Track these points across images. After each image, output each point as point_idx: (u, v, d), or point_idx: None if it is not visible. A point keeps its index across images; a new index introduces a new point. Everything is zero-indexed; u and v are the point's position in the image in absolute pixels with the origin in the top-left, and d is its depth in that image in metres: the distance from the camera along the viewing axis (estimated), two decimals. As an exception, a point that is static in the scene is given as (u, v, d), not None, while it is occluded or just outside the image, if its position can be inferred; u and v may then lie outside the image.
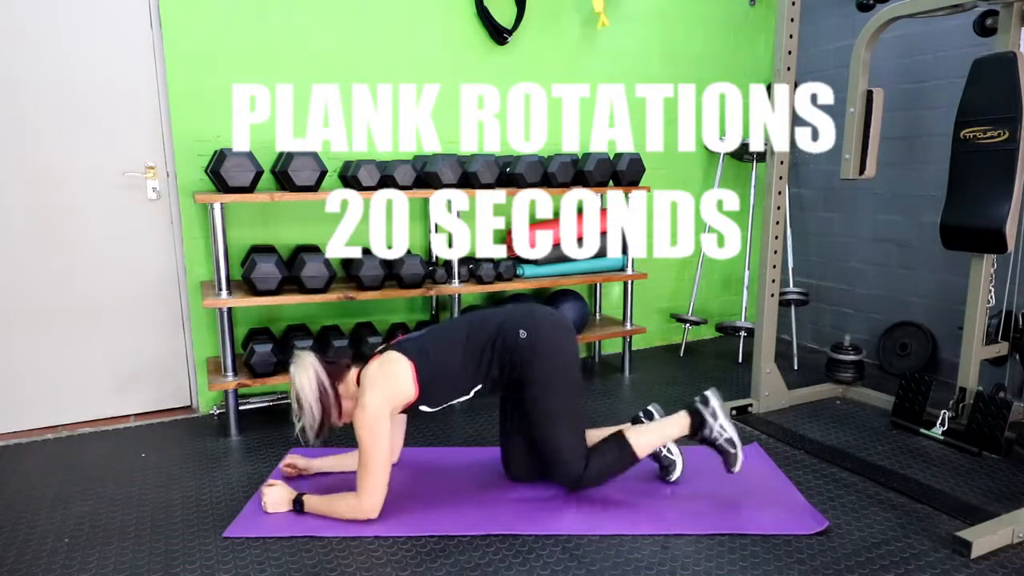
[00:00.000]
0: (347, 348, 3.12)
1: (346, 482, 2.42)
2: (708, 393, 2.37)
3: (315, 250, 3.18)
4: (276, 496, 2.31)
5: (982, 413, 2.76)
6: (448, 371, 2.25)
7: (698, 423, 2.33)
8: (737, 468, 2.31)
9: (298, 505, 2.30)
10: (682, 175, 4.30)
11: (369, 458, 2.16)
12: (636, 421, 2.56)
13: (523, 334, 2.25)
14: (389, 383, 2.20)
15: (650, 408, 2.59)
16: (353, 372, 2.33)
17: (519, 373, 2.26)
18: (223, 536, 2.19)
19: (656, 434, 2.37)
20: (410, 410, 2.29)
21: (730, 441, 2.31)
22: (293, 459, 2.56)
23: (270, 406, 3.32)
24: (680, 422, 2.36)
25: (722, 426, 2.31)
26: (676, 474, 2.49)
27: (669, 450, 2.49)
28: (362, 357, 2.93)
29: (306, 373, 2.21)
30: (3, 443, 2.96)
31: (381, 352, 2.31)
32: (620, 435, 2.34)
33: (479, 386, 2.30)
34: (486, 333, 2.28)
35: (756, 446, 2.81)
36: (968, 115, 2.63)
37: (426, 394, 2.24)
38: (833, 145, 3.01)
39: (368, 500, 2.19)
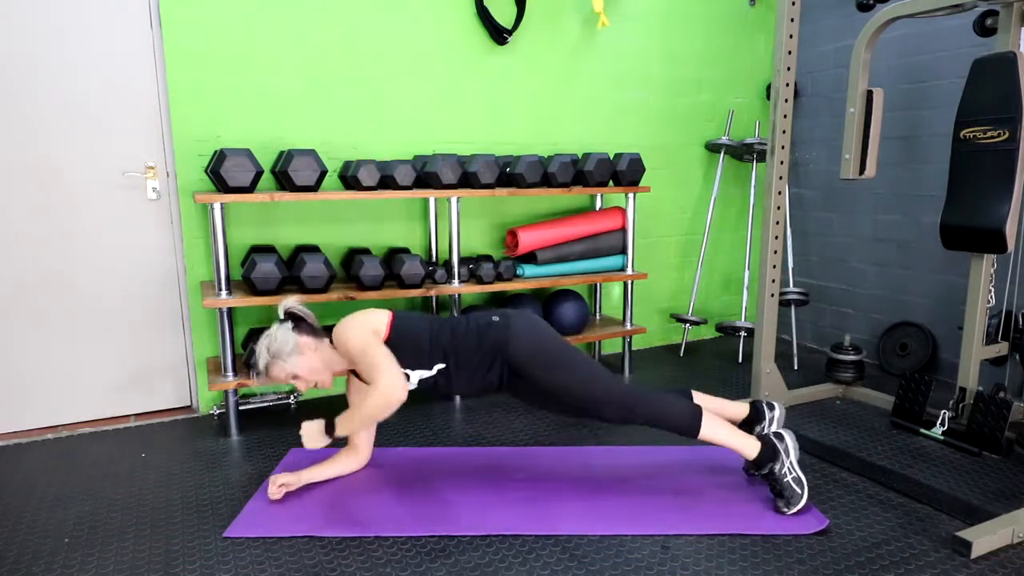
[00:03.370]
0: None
1: (332, 488, 2.48)
2: (785, 433, 2.33)
3: (315, 250, 3.18)
4: (309, 430, 2.32)
5: (982, 413, 2.75)
6: (419, 337, 2.36)
7: (769, 455, 2.29)
8: (792, 510, 2.25)
9: (330, 429, 2.31)
10: (682, 175, 4.30)
11: (370, 359, 2.24)
12: (755, 406, 2.53)
13: (496, 318, 2.39)
14: (364, 316, 2.34)
15: (775, 403, 2.54)
16: (327, 340, 2.41)
17: (505, 354, 2.33)
18: (223, 536, 2.19)
19: (727, 437, 2.32)
20: None
21: (798, 481, 2.27)
22: (282, 480, 2.42)
23: (270, 406, 3.32)
24: (751, 445, 2.31)
25: (792, 465, 2.29)
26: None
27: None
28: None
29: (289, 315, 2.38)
30: (3, 443, 2.96)
31: None
32: (700, 408, 2.33)
33: (443, 365, 2.36)
34: (454, 322, 2.43)
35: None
36: (968, 115, 2.63)
37: (393, 344, 2.32)
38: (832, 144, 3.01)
39: (387, 384, 2.19)
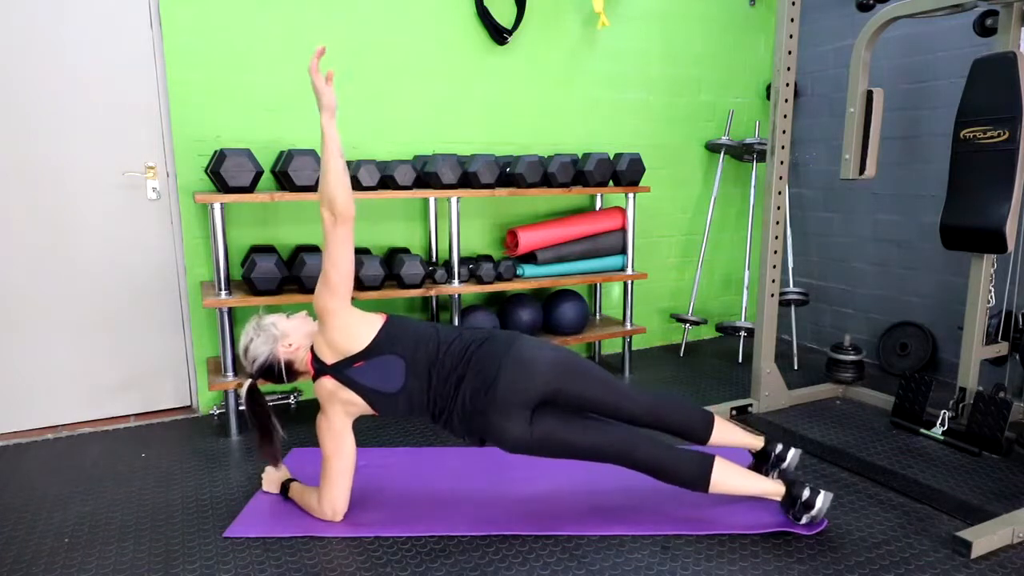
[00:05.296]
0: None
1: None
2: (820, 500, 2.14)
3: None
4: (270, 476, 2.44)
5: (982, 413, 2.75)
6: (402, 413, 2.24)
7: (788, 504, 2.19)
8: (788, 514, 2.21)
9: (284, 490, 2.39)
10: (682, 175, 4.30)
11: (330, 467, 2.20)
12: (767, 448, 2.42)
13: (466, 438, 2.23)
14: (350, 407, 2.19)
15: (789, 452, 2.39)
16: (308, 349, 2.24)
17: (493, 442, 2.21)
18: (223, 536, 2.19)
19: (742, 485, 2.20)
20: None
21: (796, 521, 2.19)
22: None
23: (270, 406, 3.31)
24: (775, 491, 2.21)
25: (803, 516, 2.17)
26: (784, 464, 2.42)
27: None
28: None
29: (265, 341, 2.22)
30: (3, 443, 2.96)
31: (335, 374, 2.17)
32: (710, 461, 2.16)
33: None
34: (436, 409, 2.20)
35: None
36: (968, 115, 2.63)
37: (386, 415, 2.24)
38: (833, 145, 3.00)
39: (328, 506, 2.22)
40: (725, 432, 2.39)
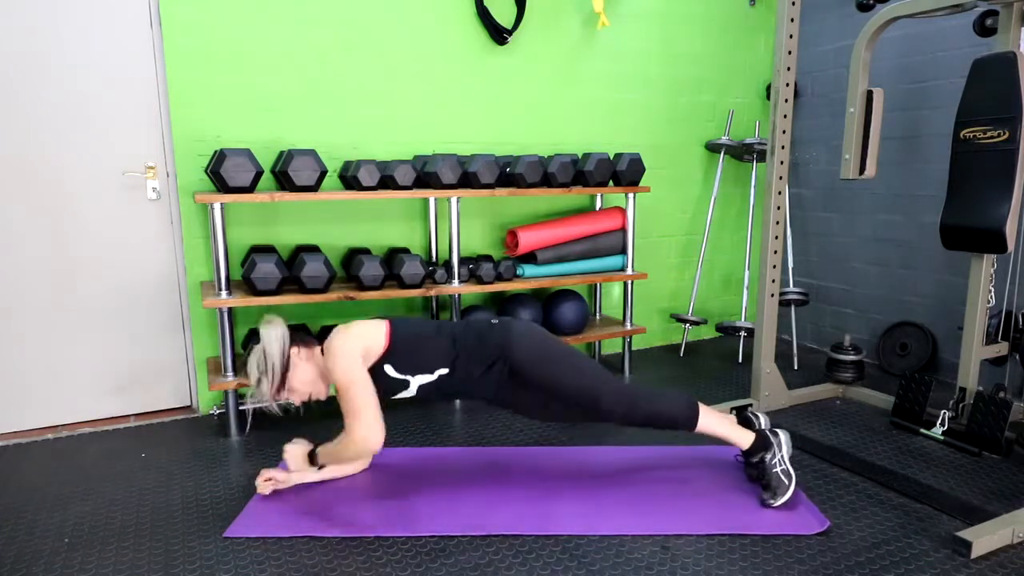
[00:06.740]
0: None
1: (332, 488, 2.47)
2: (780, 431, 2.38)
3: (315, 250, 3.18)
4: (294, 453, 2.44)
5: (982, 413, 2.75)
6: (420, 341, 2.30)
7: (762, 445, 2.35)
8: (777, 502, 2.28)
9: (313, 457, 2.41)
10: (682, 175, 4.30)
11: (350, 398, 2.15)
12: (743, 415, 2.60)
13: (495, 321, 2.38)
14: (358, 328, 2.24)
15: (780, 432, 2.50)
16: (319, 348, 2.34)
17: (506, 353, 2.29)
18: (223, 536, 2.19)
19: (722, 426, 2.40)
20: (376, 369, 2.25)
21: (787, 473, 2.30)
22: (271, 474, 2.45)
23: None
24: (747, 437, 2.39)
25: (783, 458, 2.33)
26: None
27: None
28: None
29: (276, 331, 2.25)
30: (3, 443, 2.96)
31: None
32: (696, 401, 2.39)
33: (445, 370, 2.29)
34: (454, 326, 2.38)
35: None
36: (968, 115, 2.63)
37: (394, 352, 2.25)
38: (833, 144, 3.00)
39: (361, 437, 2.16)
40: None
